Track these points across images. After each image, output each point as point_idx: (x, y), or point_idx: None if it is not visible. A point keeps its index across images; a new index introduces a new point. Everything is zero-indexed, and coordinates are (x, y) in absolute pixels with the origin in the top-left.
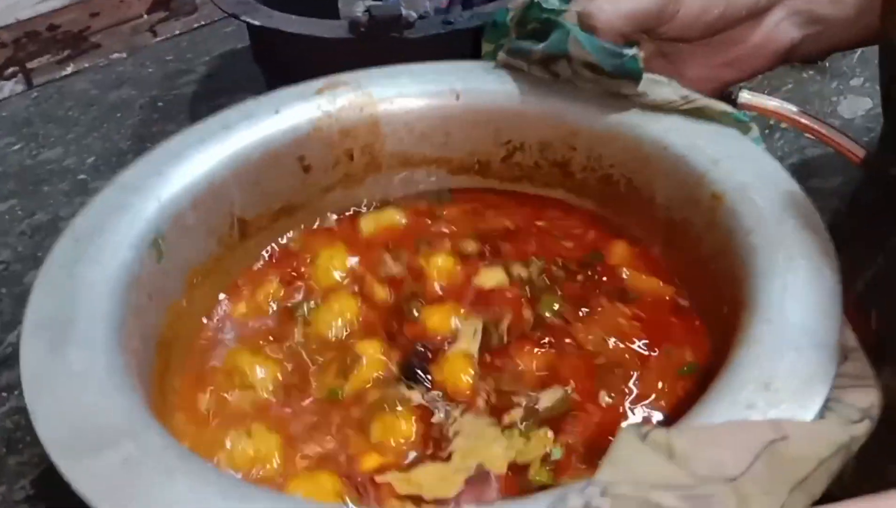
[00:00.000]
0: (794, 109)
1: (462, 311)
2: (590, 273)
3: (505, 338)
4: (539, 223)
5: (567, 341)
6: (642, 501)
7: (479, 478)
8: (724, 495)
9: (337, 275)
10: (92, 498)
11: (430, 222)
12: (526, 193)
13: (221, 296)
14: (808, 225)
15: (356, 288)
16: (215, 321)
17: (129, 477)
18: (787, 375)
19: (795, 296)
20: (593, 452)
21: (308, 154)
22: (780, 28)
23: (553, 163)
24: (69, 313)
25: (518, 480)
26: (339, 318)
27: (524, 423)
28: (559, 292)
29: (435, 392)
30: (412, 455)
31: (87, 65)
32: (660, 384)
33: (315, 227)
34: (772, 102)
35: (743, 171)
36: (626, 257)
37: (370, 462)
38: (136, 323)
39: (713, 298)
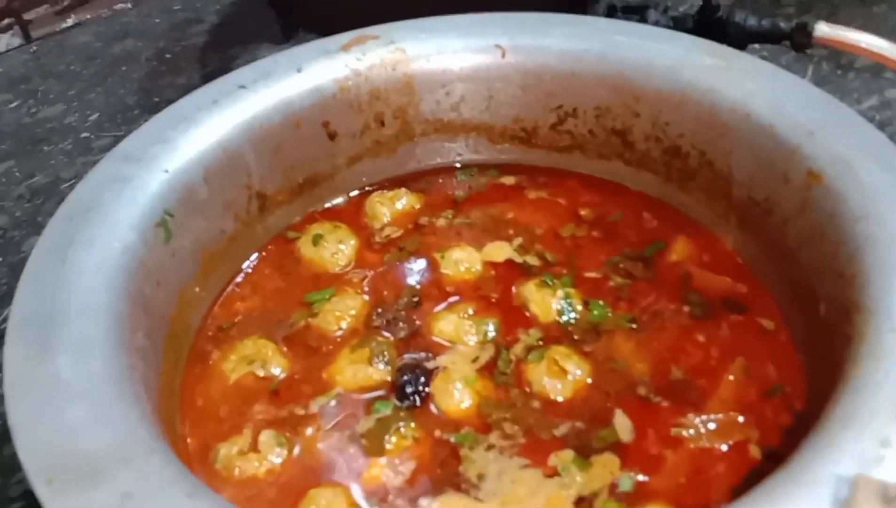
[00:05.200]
0: (883, 41)
1: (471, 311)
2: (647, 271)
3: (513, 365)
4: (582, 213)
5: (610, 359)
6: None
7: None
8: None
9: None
10: None
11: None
12: (571, 171)
13: (239, 278)
14: None
15: (364, 285)
16: (226, 308)
17: None
18: None
19: None
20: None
21: (334, 119)
22: None
23: (611, 131)
24: (60, 308)
25: None
26: (344, 316)
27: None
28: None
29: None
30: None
31: (88, 16)
32: (741, 407)
33: (333, 204)
34: (854, 35)
35: (844, 144)
36: (690, 252)
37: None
38: (141, 317)
39: (803, 293)
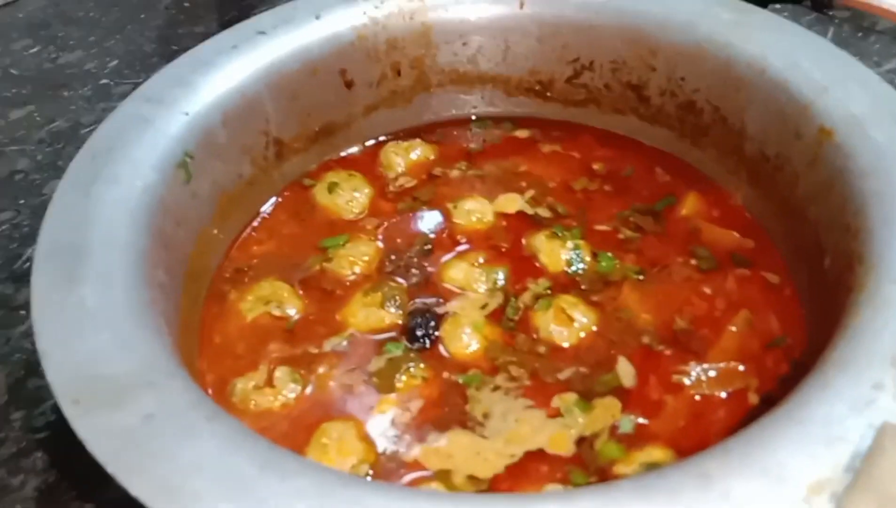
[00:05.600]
0: None
1: (481, 260)
2: (657, 225)
3: (521, 312)
4: (595, 167)
5: (616, 308)
6: None
7: (522, 468)
8: None
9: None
10: (106, 461)
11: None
12: (585, 125)
13: (256, 222)
14: None
15: (378, 233)
16: (243, 251)
17: (148, 438)
18: None
19: None
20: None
21: (351, 67)
22: None
23: (626, 85)
24: (84, 241)
25: (581, 453)
26: (358, 261)
27: (578, 405)
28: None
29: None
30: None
31: None
32: (742, 357)
33: (349, 153)
34: None
35: (857, 100)
36: (700, 208)
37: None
38: (161, 254)
39: (809, 248)
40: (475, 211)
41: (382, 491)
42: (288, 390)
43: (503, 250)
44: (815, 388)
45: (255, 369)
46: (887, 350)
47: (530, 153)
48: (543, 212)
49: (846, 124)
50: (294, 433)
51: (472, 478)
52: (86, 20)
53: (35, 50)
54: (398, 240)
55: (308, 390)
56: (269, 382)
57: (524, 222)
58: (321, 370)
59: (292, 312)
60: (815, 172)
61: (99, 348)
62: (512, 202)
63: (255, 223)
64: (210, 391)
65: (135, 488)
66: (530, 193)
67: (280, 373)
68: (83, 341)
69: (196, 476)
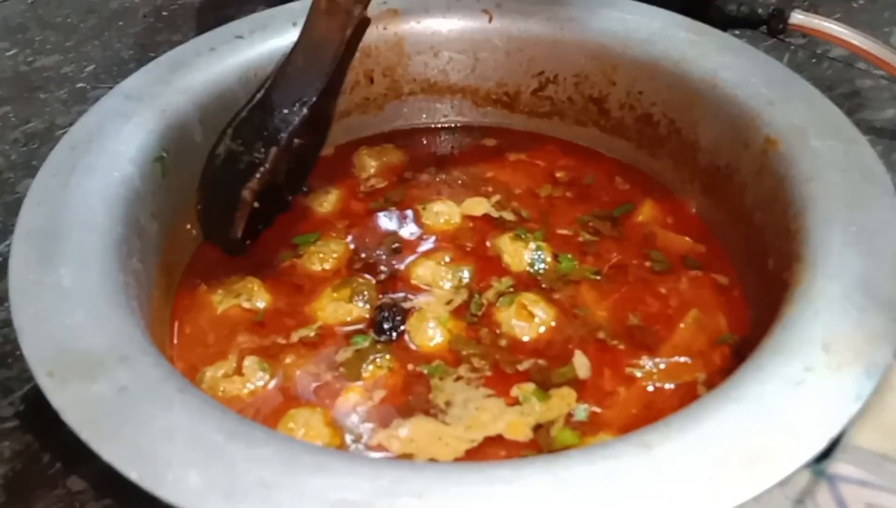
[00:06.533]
0: (852, 31)
1: (447, 259)
2: (614, 230)
3: (484, 308)
4: (558, 175)
5: (574, 305)
6: None
7: (481, 452)
8: None
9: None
10: (81, 429)
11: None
12: (550, 136)
13: None
14: (873, 177)
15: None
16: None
17: (122, 408)
18: (849, 336)
19: (858, 251)
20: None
21: None
22: None
23: (588, 98)
24: (62, 225)
25: (537, 439)
26: (328, 258)
27: (536, 394)
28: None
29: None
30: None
31: None
32: (691, 352)
33: (322, 155)
34: (826, 24)
35: (800, 114)
36: (656, 215)
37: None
38: (136, 243)
39: (756, 251)
40: (443, 213)
41: (345, 458)
42: (256, 378)
43: (469, 249)
44: (750, 370)
45: (225, 358)
46: (818, 337)
47: (497, 161)
48: (508, 215)
49: (790, 134)
50: (262, 420)
51: (433, 461)
52: (63, 25)
53: (12, 53)
54: (368, 239)
55: (276, 378)
56: (238, 370)
57: (490, 225)
58: (289, 359)
59: (262, 305)
60: (761, 180)
61: (74, 325)
62: (478, 205)
63: None
64: None
65: (107, 454)
66: (496, 197)
67: (249, 362)
68: (59, 318)
69: (167, 444)
